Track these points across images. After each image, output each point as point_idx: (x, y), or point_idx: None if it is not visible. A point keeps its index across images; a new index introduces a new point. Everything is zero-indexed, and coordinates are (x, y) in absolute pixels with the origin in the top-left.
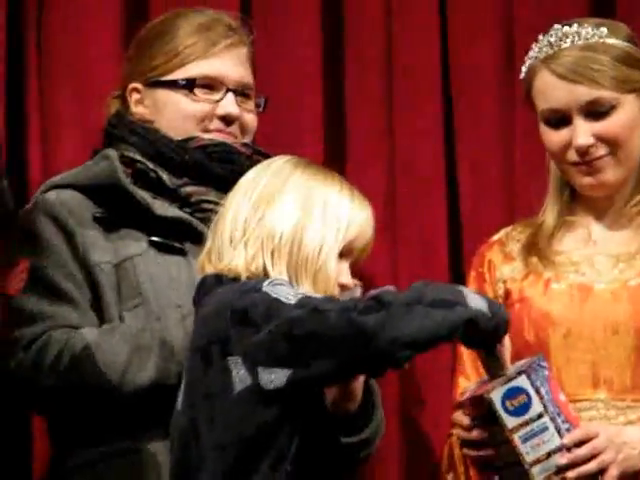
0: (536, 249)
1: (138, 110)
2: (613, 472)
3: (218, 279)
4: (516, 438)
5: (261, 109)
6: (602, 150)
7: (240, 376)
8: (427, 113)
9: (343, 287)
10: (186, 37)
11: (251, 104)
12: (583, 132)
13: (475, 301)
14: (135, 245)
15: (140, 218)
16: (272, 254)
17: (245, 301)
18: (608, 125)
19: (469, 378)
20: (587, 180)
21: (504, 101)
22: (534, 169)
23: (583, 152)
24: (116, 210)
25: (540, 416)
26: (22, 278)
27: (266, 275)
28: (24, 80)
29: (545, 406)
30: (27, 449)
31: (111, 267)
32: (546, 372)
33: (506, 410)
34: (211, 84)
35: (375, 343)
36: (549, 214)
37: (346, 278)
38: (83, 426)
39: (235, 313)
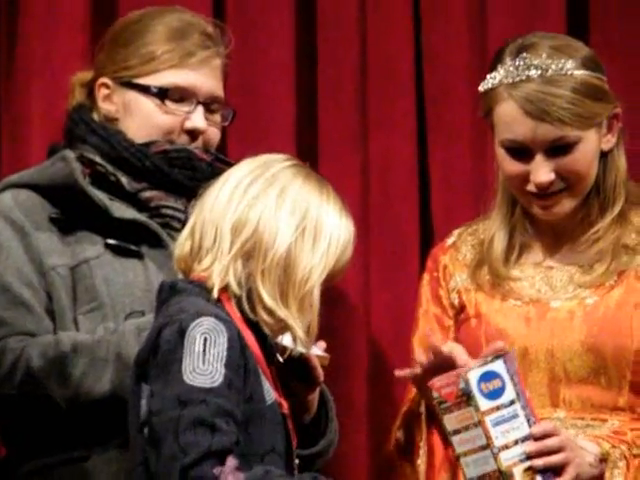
0: (489, 270)
1: (104, 106)
2: (571, 471)
3: (173, 288)
4: (487, 421)
5: (227, 123)
6: (560, 184)
7: (143, 405)
8: (401, 116)
9: None
10: (163, 43)
11: (217, 117)
12: (545, 169)
13: None
14: (91, 248)
15: (97, 220)
16: (262, 274)
17: (166, 334)
18: (570, 162)
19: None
20: (542, 210)
21: (477, 105)
22: None
23: (543, 187)
24: (73, 211)
25: (512, 403)
26: None
27: (256, 289)
28: None
29: (517, 394)
30: None
31: (67, 270)
32: (516, 365)
33: (481, 392)
34: (182, 95)
35: None
36: (498, 234)
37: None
38: (37, 433)
39: (156, 341)
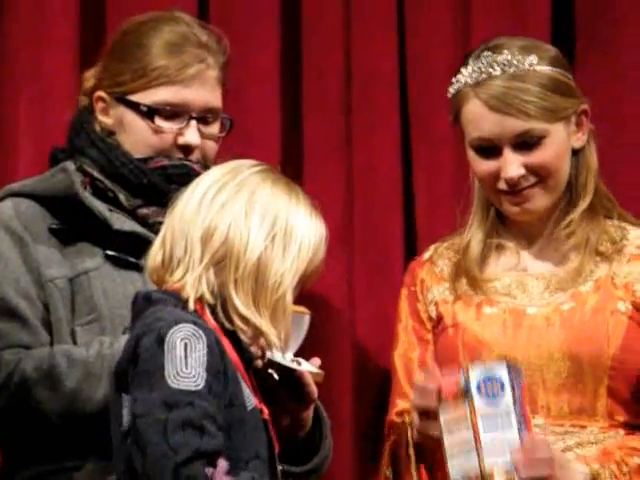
0: (465, 274)
1: (102, 118)
2: None
3: (148, 299)
4: (479, 423)
5: (224, 133)
6: (531, 179)
7: (125, 415)
8: (385, 123)
9: None
10: (155, 59)
11: (215, 127)
12: (513, 164)
13: None
14: (91, 259)
15: (97, 232)
16: (235, 282)
17: (145, 342)
18: (538, 156)
19: (406, 397)
20: (515, 208)
21: None
22: None
23: (513, 183)
24: (73, 222)
25: (507, 411)
26: None
27: (230, 298)
28: None
29: (515, 403)
30: None
31: (66, 281)
32: (523, 382)
33: (478, 390)
34: (174, 111)
35: None
36: (475, 238)
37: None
38: (31, 442)
39: (135, 350)
